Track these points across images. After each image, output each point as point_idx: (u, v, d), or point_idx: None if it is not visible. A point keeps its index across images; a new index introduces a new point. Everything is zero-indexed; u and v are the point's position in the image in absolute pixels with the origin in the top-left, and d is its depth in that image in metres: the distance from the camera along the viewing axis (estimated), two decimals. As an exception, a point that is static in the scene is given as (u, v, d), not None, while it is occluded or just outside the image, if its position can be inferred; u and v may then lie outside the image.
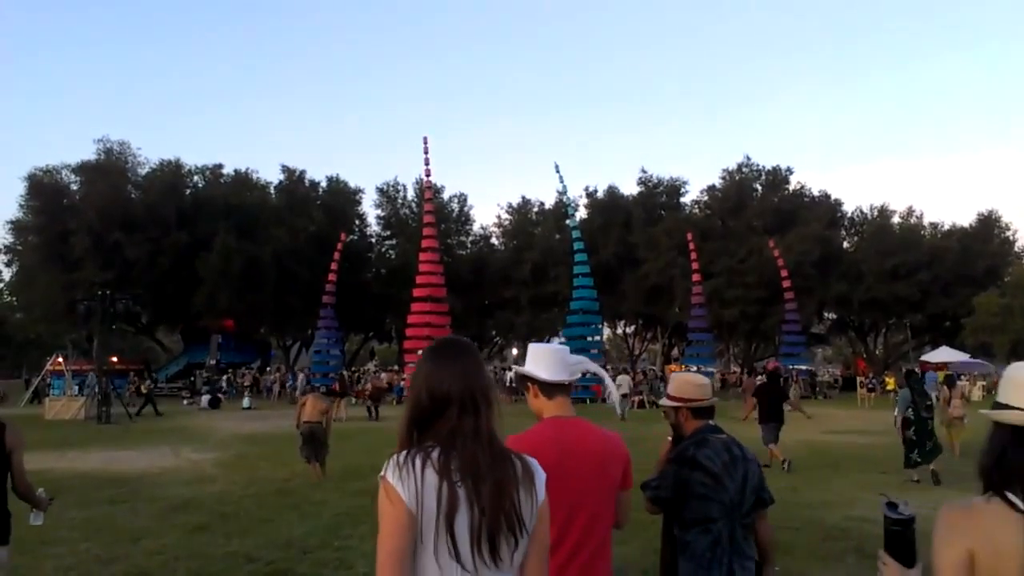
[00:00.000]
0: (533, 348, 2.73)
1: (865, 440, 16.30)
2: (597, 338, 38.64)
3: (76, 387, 31.07)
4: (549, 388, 2.60)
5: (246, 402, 30.20)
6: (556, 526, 2.24)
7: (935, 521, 1.64)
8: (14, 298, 50.00)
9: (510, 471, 1.70)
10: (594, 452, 2.51)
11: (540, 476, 1.77)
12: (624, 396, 24.65)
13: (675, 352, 52.58)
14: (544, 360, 2.63)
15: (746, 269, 42.63)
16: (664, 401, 3.30)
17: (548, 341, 52.56)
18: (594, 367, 2.87)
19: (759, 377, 22.66)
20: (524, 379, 2.68)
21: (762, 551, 3.14)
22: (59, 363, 35.68)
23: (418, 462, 1.63)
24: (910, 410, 11.35)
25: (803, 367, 39.44)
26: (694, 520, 3.00)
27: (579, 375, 2.69)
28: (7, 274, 47.43)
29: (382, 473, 1.62)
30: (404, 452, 1.67)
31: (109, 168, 41.70)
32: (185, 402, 32.48)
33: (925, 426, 11.20)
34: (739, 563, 2.99)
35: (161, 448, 15.75)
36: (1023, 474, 1.58)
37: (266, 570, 6.23)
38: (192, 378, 39.42)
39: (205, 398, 30.79)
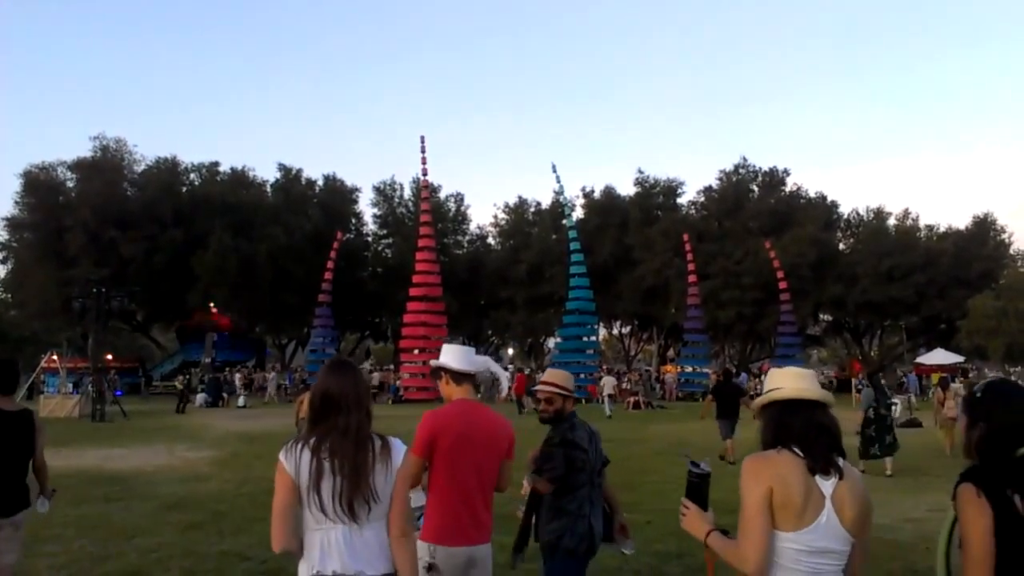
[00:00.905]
0: (447, 347, 3.50)
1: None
2: (593, 338, 38.62)
3: (70, 384, 30.97)
4: (458, 377, 3.40)
5: (241, 400, 30.18)
6: (458, 477, 3.22)
7: (742, 470, 2.21)
8: (9, 295, 49.81)
9: (368, 454, 2.45)
10: (488, 428, 3.35)
11: (397, 451, 2.52)
12: (609, 396, 26.51)
13: (671, 353, 52.63)
14: (455, 356, 3.42)
15: (742, 270, 42.67)
16: (544, 387, 3.99)
17: (543, 341, 52.95)
18: (495, 367, 3.73)
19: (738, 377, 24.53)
20: (438, 370, 3.43)
21: (609, 502, 4.06)
22: (54, 361, 35.59)
23: (299, 447, 2.45)
24: (871, 409, 12.25)
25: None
26: (572, 487, 3.79)
27: (483, 369, 3.55)
28: (2, 271, 47.32)
29: (279, 457, 2.44)
30: (292, 441, 2.49)
31: (105, 165, 41.59)
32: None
33: (884, 422, 12.10)
34: (595, 514, 3.85)
35: (156, 446, 15.74)
36: (797, 431, 2.21)
37: (260, 569, 6.22)
38: (187, 376, 39.32)
39: (200, 396, 30.72)
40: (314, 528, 2.42)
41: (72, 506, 9.00)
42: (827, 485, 2.15)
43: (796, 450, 2.18)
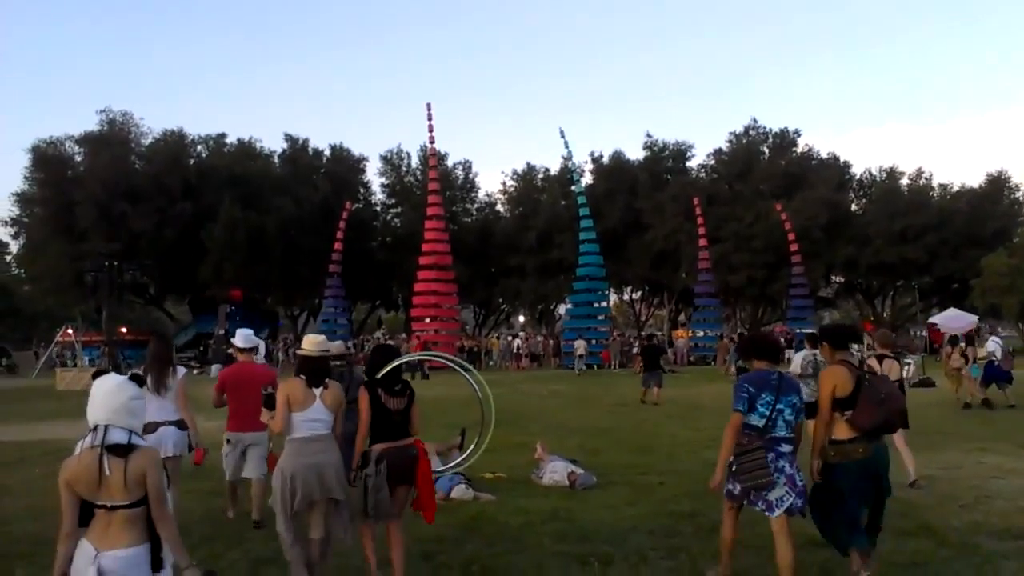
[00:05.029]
0: (239, 331, 6.90)
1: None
2: (604, 304, 38.64)
3: (86, 358, 31.29)
4: (240, 349, 6.76)
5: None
6: (238, 401, 6.59)
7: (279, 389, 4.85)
8: (22, 270, 50.18)
9: (167, 371, 6.07)
10: (257, 375, 6.35)
11: (180, 372, 6.19)
12: (580, 356, 30.72)
13: (682, 318, 52.59)
14: (240, 337, 6.79)
15: (753, 233, 42.31)
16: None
17: (554, 308, 52.95)
18: (260, 343, 7.69)
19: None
20: (231, 345, 6.72)
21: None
22: (69, 335, 35.93)
23: (143, 368, 6.11)
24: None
25: (809, 331, 39.28)
26: None
27: (257, 344, 7.10)
28: (15, 246, 47.56)
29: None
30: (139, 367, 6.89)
31: (112, 139, 41.52)
32: (195, 371, 32.68)
33: None
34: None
35: (172, 417, 15.89)
36: (304, 368, 4.91)
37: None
38: (202, 348, 39.66)
39: (215, 367, 30.95)
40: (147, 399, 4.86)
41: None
42: (317, 391, 4.74)
43: (303, 376, 4.76)
